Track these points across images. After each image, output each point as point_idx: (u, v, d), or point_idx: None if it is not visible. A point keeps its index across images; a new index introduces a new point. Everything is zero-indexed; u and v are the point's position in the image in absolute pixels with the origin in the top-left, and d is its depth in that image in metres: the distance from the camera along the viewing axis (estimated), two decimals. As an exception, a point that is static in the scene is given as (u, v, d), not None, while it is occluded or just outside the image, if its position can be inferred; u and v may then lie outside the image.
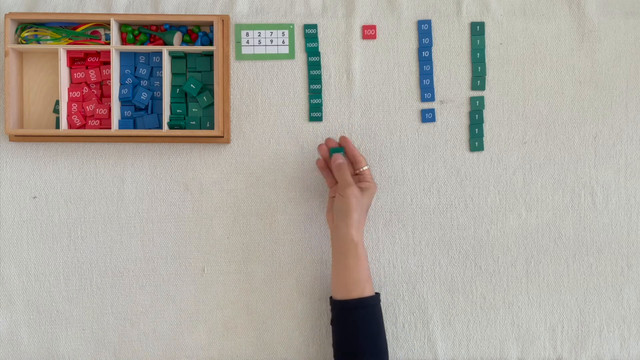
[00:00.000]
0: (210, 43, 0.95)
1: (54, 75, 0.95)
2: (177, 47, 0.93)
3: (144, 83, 0.95)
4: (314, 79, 0.97)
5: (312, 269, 0.96)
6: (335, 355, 0.86)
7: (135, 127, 0.95)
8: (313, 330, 0.96)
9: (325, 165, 0.92)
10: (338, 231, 0.86)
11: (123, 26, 0.94)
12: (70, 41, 0.93)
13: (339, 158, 0.89)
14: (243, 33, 0.97)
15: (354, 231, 0.85)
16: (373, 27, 0.97)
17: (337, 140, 0.93)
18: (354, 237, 0.85)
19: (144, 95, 0.94)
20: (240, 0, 0.97)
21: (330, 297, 0.89)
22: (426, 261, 0.97)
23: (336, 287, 0.87)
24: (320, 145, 0.92)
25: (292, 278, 0.96)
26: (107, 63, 0.94)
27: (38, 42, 0.93)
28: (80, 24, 0.94)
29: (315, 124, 0.97)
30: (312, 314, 0.96)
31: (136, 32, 0.95)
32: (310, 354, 0.96)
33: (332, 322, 0.88)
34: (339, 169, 0.88)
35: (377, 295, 0.88)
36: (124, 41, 0.95)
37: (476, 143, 0.97)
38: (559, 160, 0.98)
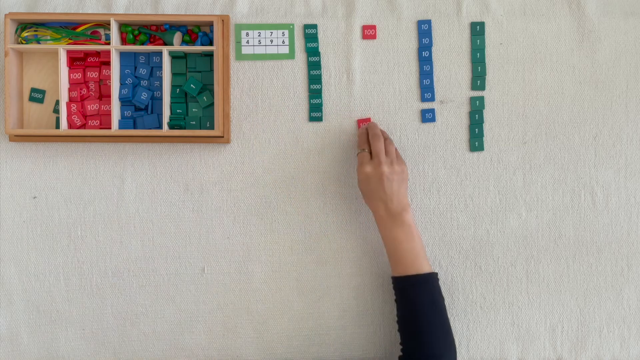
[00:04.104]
0: (210, 43, 0.95)
1: (54, 75, 0.95)
2: (177, 47, 0.93)
3: (144, 83, 0.95)
4: (314, 79, 0.97)
5: (312, 269, 0.96)
6: (401, 335, 0.87)
7: (135, 127, 0.95)
8: (313, 330, 0.96)
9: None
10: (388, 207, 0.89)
11: (123, 26, 0.94)
12: (70, 41, 0.93)
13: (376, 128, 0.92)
14: (243, 33, 0.97)
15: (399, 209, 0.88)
16: (373, 27, 0.97)
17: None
18: (402, 214, 0.88)
19: (144, 95, 0.94)
20: (240, 0, 0.97)
21: (392, 277, 0.89)
22: (426, 261, 0.97)
23: (394, 264, 0.88)
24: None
25: (292, 278, 0.96)
26: (107, 63, 0.94)
27: (38, 42, 0.93)
28: (80, 24, 0.94)
29: (315, 124, 0.97)
30: (312, 314, 0.96)
31: (136, 32, 0.95)
32: (310, 354, 0.96)
33: (396, 301, 0.89)
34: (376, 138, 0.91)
35: (435, 274, 0.89)
36: (124, 41, 0.95)
37: (476, 143, 0.97)
38: (559, 160, 0.98)
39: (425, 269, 0.87)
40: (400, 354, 0.86)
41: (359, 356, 0.96)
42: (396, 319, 0.88)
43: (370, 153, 0.90)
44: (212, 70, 0.95)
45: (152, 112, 0.95)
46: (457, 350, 0.96)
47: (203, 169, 0.96)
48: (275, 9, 0.97)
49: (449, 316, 0.97)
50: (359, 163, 0.90)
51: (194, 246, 0.96)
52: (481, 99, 0.97)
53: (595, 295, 0.97)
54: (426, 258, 0.88)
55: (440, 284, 0.88)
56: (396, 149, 0.92)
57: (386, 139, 0.92)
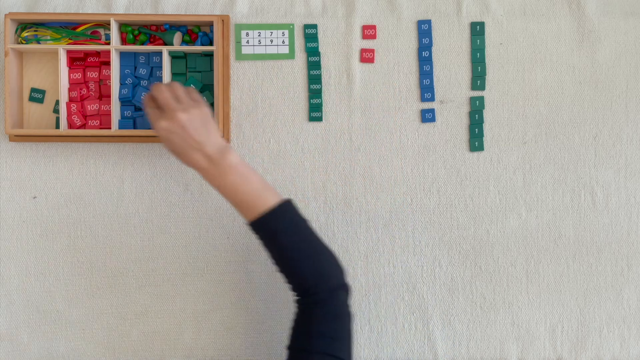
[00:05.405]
0: (210, 43, 0.95)
1: (54, 75, 0.95)
2: (177, 47, 0.93)
3: (144, 83, 0.95)
4: (314, 79, 0.97)
5: (312, 269, 0.96)
6: (282, 275, 0.82)
7: (135, 127, 0.95)
8: (313, 330, 0.96)
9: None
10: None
11: (123, 26, 0.94)
12: (70, 41, 0.93)
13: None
14: (243, 33, 0.97)
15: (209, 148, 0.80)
16: (373, 27, 0.97)
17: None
18: (214, 155, 0.80)
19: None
20: (240, 0, 0.97)
21: (247, 225, 0.83)
22: (426, 261, 0.97)
23: (242, 211, 0.81)
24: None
25: (292, 278, 0.96)
26: (107, 63, 0.94)
27: (38, 42, 0.93)
28: (80, 24, 0.94)
29: (315, 124, 0.97)
30: (312, 314, 0.96)
31: (136, 32, 0.95)
32: (310, 354, 0.96)
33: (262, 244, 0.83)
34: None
35: (288, 201, 0.82)
36: (124, 41, 0.95)
37: (476, 143, 0.97)
38: (559, 160, 0.98)
39: (272, 201, 0.80)
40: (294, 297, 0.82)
41: (362, 356, 0.96)
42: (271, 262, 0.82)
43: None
44: (212, 70, 0.95)
45: (152, 112, 0.95)
46: (457, 350, 0.96)
47: (203, 169, 0.96)
48: (275, 9, 0.97)
49: (448, 316, 0.97)
50: (152, 123, 0.82)
51: (193, 246, 0.96)
52: (481, 99, 0.97)
53: (595, 295, 0.97)
54: (270, 189, 0.82)
55: (297, 207, 0.83)
56: (192, 89, 0.85)
57: (172, 84, 0.84)
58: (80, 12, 0.96)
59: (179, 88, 0.83)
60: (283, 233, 0.80)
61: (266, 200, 0.80)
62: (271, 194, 0.81)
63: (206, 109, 0.82)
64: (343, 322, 0.80)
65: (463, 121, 0.97)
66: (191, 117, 0.80)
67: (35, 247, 0.96)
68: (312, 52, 0.97)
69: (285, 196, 0.96)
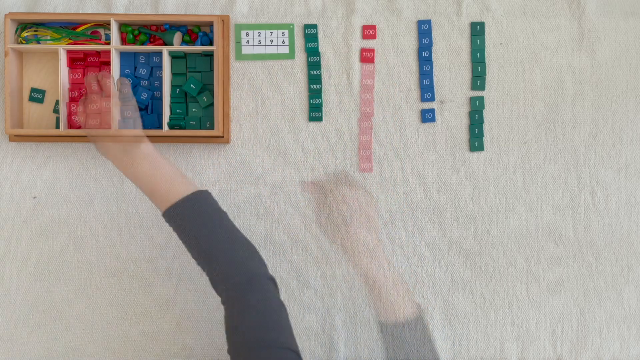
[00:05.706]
0: (210, 43, 0.95)
1: (54, 75, 0.95)
2: (177, 47, 0.93)
3: (144, 83, 0.95)
4: (314, 79, 0.97)
5: (312, 269, 0.96)
6: (201, 266, 0.81)
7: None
8: (313, 330, 0.96)
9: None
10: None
11: (123, 26, 0.94)
12: (70, 41, 0.93)
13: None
14: (243, 33, 0.97)
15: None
16: (373, 27, 0.97)
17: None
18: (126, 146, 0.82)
19: (144, 95, 0.94)
20: (240, 0, 0.97)
21: (162, 215, 0.82)
22: (426, 261, 0.97)
23: (156, 201, 0.82)
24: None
25: (292, 278, 0.96)
26: (107, 63, 0.94)
27: (38, 42, 0.93)
28: (80, 24, 0.94)
29: (315, 124, 0.97)
30: (312, 315, 0.96)
31: (136, 32, 0.95)
32: (310, 354, 0.96)
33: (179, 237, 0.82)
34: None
35: (204, 191, 0.82)
36: (124, 41, 0.95)
37: (476, 143, 0.97)
38: (559, 160, 0.98)
39: (185, 191, 0.80)
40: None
41: (362, 356, 0.96)
42: (190, 255, 0.81)
43: None
44: (212, 70, 0.95)
45: (152, 112, 0.95)
46: (457, 350, 0.96)
47: (203, 169, 0.96)
48: (275, 9, 0.97)
49: (448, 316, 0.97)
50: (81, 125, 0.87)
51: (194, 246, 0.96)
52: (481, 99, 0.97)
53: (595, 295, 0.97)
54: (184, 180, 0.82)
55: (214, 199, 0.82)
56: (124, 81, 0.88)
57: (101, 73, 0.87)
58: (80, 12, 0.96)
59: (106, 77, 0.87)
60: (195, 223, 0.79)
61: (179, 190, 0.80)
62: (185, 184, 0.81)
63: (129, 102, 0.85)
64: (266, 311, 0.75)
65: (463, 121, 0.97)
66: (110, 105, 0.83)
67: (35, 247, 0.96)
68: (312, 52, 0.97)
69: (285, 196, 0.97)
